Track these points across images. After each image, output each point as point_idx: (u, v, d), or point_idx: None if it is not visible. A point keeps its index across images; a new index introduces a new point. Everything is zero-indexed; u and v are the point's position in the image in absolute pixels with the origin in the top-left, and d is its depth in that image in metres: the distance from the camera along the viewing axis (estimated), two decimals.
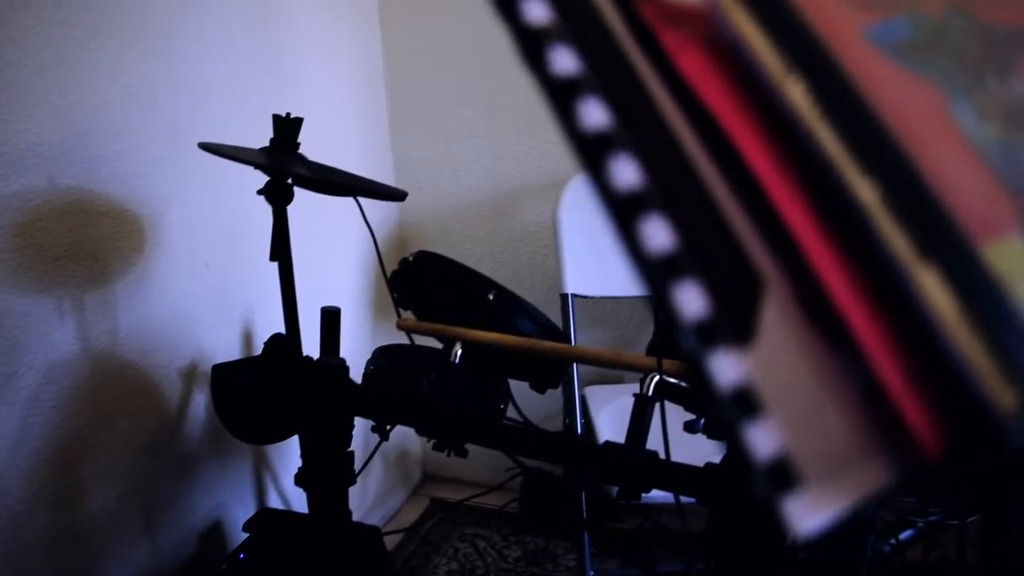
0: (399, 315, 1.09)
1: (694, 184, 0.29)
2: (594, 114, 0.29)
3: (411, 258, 1.07)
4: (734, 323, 0.27)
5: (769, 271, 0.29)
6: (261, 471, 1.45)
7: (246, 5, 1.35)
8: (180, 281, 1.23)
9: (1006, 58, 0.35)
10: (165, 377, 1.23)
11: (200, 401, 1.29)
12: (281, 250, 1.10)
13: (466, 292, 1.00)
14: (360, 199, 1.15)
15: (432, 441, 1.01)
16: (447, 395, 1.00)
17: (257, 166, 1.03)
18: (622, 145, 0.28)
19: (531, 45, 0.30)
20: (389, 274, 1.11)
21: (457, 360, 0.99)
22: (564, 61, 0.29)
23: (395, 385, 1.04)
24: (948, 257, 0.26)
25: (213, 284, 1.29)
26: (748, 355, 0.27)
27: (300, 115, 1.07)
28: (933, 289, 0.26)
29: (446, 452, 1.00)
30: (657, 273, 0.27)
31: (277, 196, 1.06)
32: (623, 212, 0.28)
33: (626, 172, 0.28)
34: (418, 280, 1.04)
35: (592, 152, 0.28)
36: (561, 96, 0.29)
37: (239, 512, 1.37)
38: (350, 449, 1.18)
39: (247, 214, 1.31)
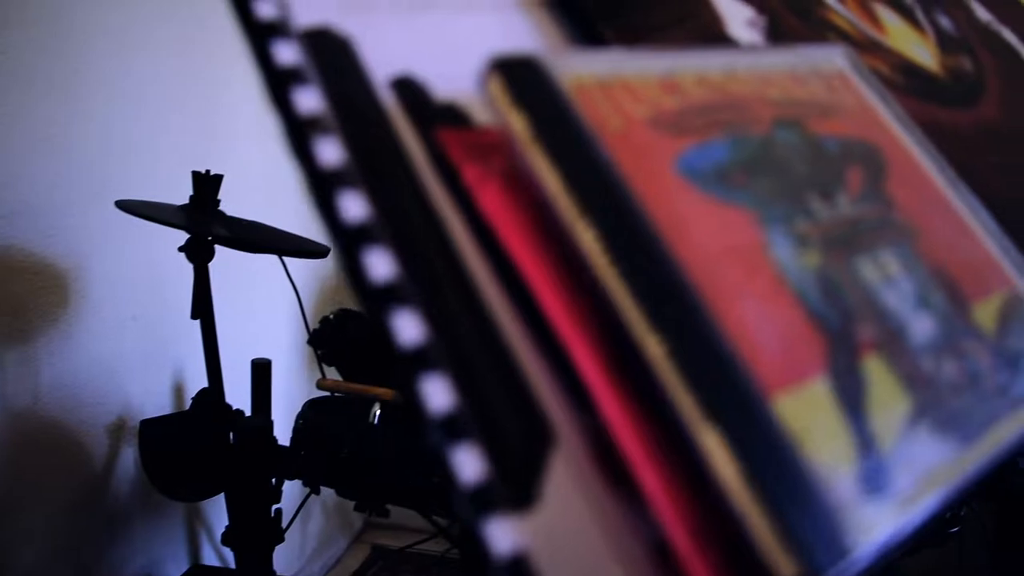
0: (322, 373, 1.08)
1: (482, 337, 0.28)
2: (380, 265, 0.27)
3: (332, 316, 1.05)
4: (514, 487, 0.26)
5: (563, 424, 0.27)
6: (195, 527, 1.42)
7: (173, 56, 1.33)
8: (107, 335, 1.21)
9: (836, 174, 0.34)
10: (91, 434, 1.20)
11: (129, 457, 1.26)
12: (202, 308, 1.08)
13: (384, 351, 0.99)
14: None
15: None
16: (366, 456, 0.98)
17: (174, 225, 1.01)
18: (407, 298, 0.27)
19: (322, 189, 0.29)
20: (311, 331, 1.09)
21: (376, 421, 0.98)
22: (354, 207, 0.28)
23: (315, 446, 1.02)
24: (732, 418, 0.25)
25: (142, 338, 1.27)
26: (528, 520, 0.26)
27: (230, 168, 1.06)
28: (716, 451, 0.25)
29: (367, 512, 0.98)
30: (438, 434, 0.26)
31: (197, 254, 1.05)
32: (406, 369, 0.27)
33: (409, 328, 0.27)
34: (338, 338, 1.03)
35: (376, 303, 0.27)
36: (349, 243, 0.28)
37: (171, 569, 1.34)
38: (278, 505, 1.16)
39: (175, 266, 1.28)
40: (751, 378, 0.26)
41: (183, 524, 1.38)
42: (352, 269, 0.28)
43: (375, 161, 0.29)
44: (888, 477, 0.27)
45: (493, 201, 0.30)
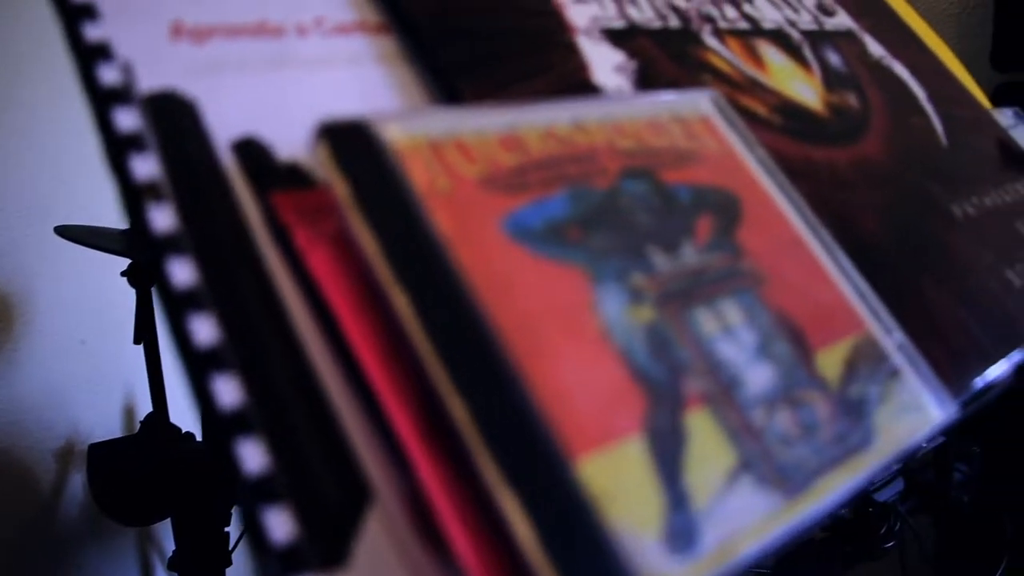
0: None
1: (303, 399, 0.28)
2: (203, 330, 0.28)
3: None
4: (326, 547, 0.26)
5: (382, 484, 0.28)
6: (147, 551, 1.42)
7: None
8: (54, 360, 1.21)
9: (684, 224, 0.35)
10: (39, 459, 1.20)
11: (78, 482, 1.26)
12: (146, 332, 1.08)
13: None
14: None
15: None
16: None
17: (114, 252, 1.01)
18: (229, 361, 0.28)
19: (154, 254, 0.29)
20: None
21: None
22: (181, 273, 0.29)
23: None
24: (529, 481, 0.26)
25: (90, 362, 1.27)
26: None
27: None
28: (513, 514, 0.26)
29: None
30: (251, 496, 0.27)
31: (138, 280, 1.05)
32: (223, 431, 0.27)
33: (228, 391, 0.27)
34: None
35: (197, 368, 0.28)
36: (174, 308, 0.29)
37: None
38: (229, 528, 1.16)
39: (123, 289, 1.28)
40: (554, 440, 0.27)
41: (135, 549, 1.38)
42: (176, 333, 0.29)
43: (205, 226, 0.30)
44: (697, 534, 0.28)
45: (321, 264, 0.30)
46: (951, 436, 1.06)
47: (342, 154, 0.30)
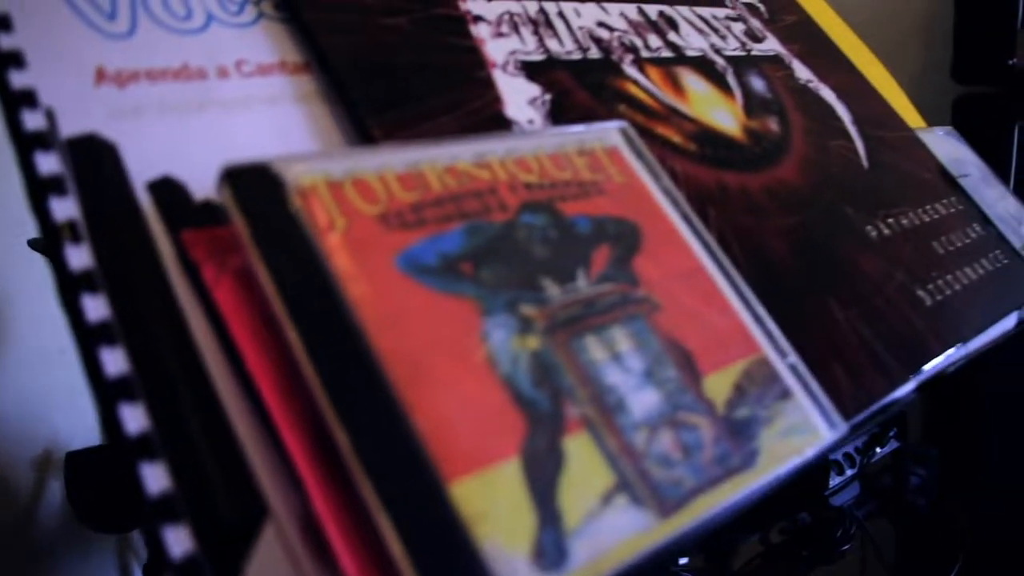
0: None
1: (205, 422, 0.31)
2: (113, 361, 0.30)
3: None
4: (220, 562, 0.29)
5: (277, 505, 0.30)
6: (126, 559, 1.44)
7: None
8: (31, 370, 1.23)
9: (580, 255, 0.38)
10: (15, 469, 1.22)
11: (56, 491, 1.29)
12: None
13: None
14: None
15: None
16: None
17: None
18: (139, 392, 0.30)
19: (69, 292, 0.32)
20: None
21: None
22: (95, 309, 0.31)
23: None
24: (405, 505, 0.28)
25: (70, 371, 1.29)
26: None
27: None
28: (391, 536, 0.28)
29: None
30: (152, 515, 0.29)
31: None
32: (129, 454, 0.30)
33: (135, 418, 0.30)
34: None
35: (107, 395, 0.30)
36: (87, 342, 0.31)
37: None
38: None
39: None
40: (430, 465, 0.29)
41: (113, 557, 1.40)
42: (88, 365, 0.31)
43: (118, 264, 0.33)
44: (567, 552, 0.30)
45: (226, 298, 0.33)
46: (907, 440, 1.09)
47: (243, 195, 0.32)
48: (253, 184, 0.32)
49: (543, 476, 0.31)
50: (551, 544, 0.30)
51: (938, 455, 1.31)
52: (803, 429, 0.38)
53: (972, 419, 1.43)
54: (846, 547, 0.99)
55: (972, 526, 1.32)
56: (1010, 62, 1.32)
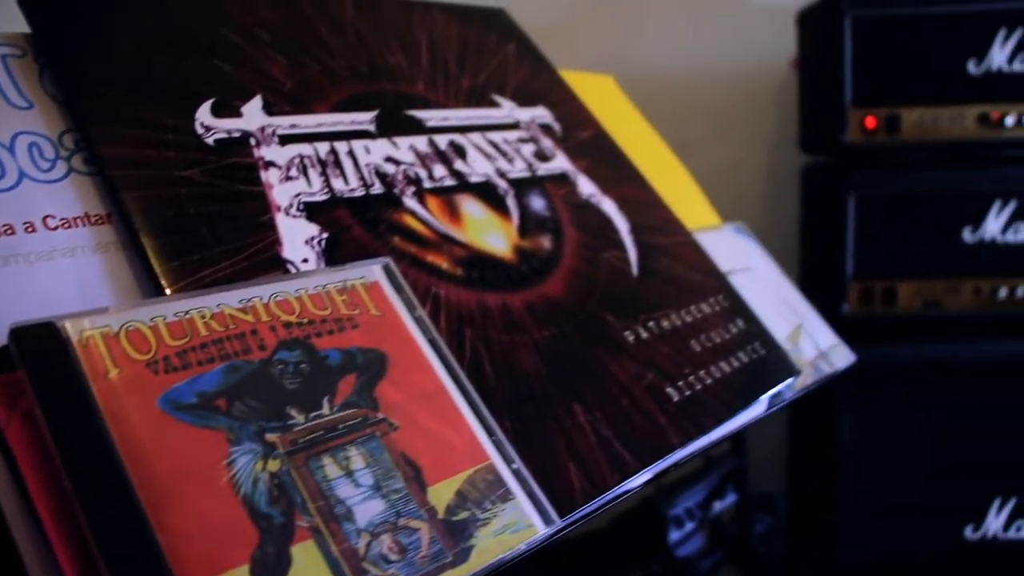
0: None
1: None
2: None
3: None
4: None
5: None
6: None
7: None
8: None
9: (327, 385, 0.47)
10: None
11: None
12: None
13: None
14: None
15: None
16: None
17: None
18: None
19: None
20: None
21: None
22: None
23: None
24: None
25: None
26: None
27: None
28: None
29: None
30: None
31: None
32: None
33: None
34: None
35: None
36: None
37: None
38: None
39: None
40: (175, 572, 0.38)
41: None
42: None
43: None
44: None
45: (15, 436, 0.42)
46: (747, 492, 1.21)
47: (28, 350, 0.41)
48: (38, 339, 0.42)
49: None
50: None
51: (783, 502, 1.44)
52: (519, 526, 0.49)
53: (822, 464, 1.56)
54: None
55: (815, 570, 1.45)
56: (841, 137, 1.47)
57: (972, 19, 1.47)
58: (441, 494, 0.47)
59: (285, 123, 0.58)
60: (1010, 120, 1.47)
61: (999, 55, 1.47)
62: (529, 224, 0.64)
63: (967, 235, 1.52)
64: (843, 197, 1.50)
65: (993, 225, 1.51)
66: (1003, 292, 1.52)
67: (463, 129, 0.68)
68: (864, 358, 1.54)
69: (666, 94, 1.81)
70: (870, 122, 1.48)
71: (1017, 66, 1.47)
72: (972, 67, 1.47)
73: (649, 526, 1.11)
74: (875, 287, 1.55)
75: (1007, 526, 1.57)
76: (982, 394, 1.56)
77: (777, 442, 1.91)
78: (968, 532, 1.57)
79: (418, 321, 0.52)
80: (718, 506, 1.13)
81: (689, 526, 1.10)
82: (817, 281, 1.69)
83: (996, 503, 1.57)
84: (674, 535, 1.10)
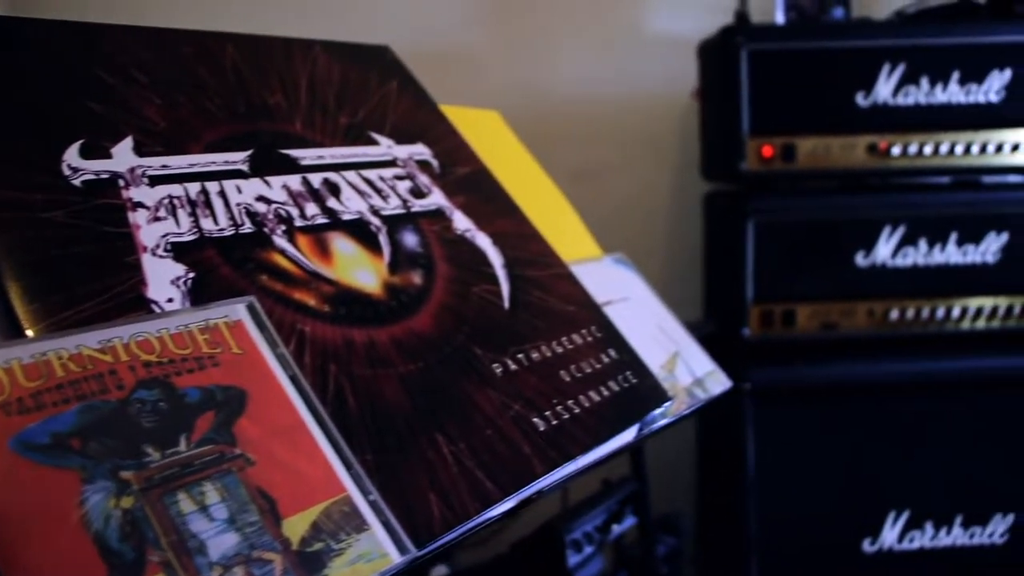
0: None
1: None
2: None
3: None
4: None
5: None
6: None
7: None
8: None
9: (185, 422, 0.49)
10: None
11: None
12: None
13: None
14: None
15: None
16: None
17: None
18: None
19: None
20: None
21: None
22: None
23: None
24: None
25: None
26: None
27: None
28: None
29: None
30: None
31: None
32: None
33: None
34: None
35: None
36: None
37: None
38: None
39: None
40: None
41: None
42: None
43: None
44: None
45: None
46: (648, 515, 1.24)
47: None
48: None
49: None
50: None
51: (691, 522, 1.48)
52: (373, 556, 0.51)
53: (728, 485, 1.61)
54: None
55: None
56: (740, 165, 1.53)
57: (859, 54, 1.54)
58: (296, 526, 0.49)
59: (156, 164, 0.59)
60: (896, 150, 1.54)
61: (884, 89, 1.54)
62: (400, 260, 0.67)
63: (860, 259, 1.58)
64: (742, 223, 1.55)
65: (884, 249, 1.57)
66: (895, 313, 1.59)
67: (338, 167, 0.70)
68: (766, 379, 1.60)
69: (573, 123, 1.86)
70: (767, 151, 1.54)
71: (901, 99, 1.54)
72: (861, 99, 1.54)
73: (548, 550, 1.13)
74: (775, 310, 1.60)
75: (901, 538, 1.63)
76: (877, 411, 1.62)
77: (688, 462, 1.96)
78: (866, 545, 1.63)
79: (280, 358, 0.54)
80: (617, 529, 1.17)
81: (588, 550, 1.13)
82: (720, 305, 1.75)
83: (891, 516, 1.63)
84: (573, 559, 1.12)
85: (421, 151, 0.78)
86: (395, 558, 0.52)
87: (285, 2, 1.82)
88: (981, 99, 1.55)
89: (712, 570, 1.87)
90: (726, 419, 1.64)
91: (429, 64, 1.74)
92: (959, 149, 1.56)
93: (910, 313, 1.60)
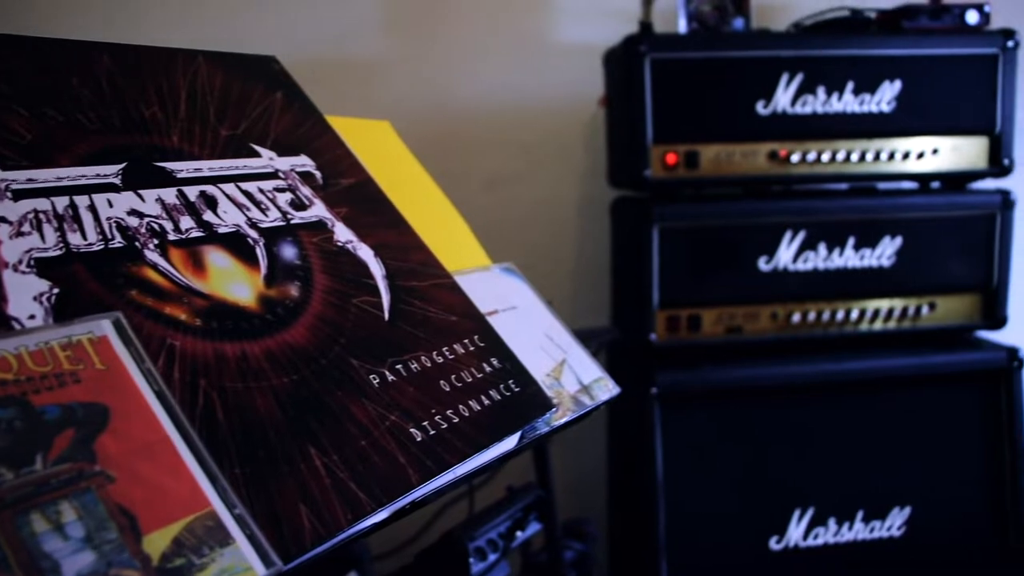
0: None
1: None
2: None
3: None
4: None
5: None
6: None
7: None
8: None
9: (43, 440, 0.49)
10: None
11: None
12: None
13: None
14: None
15: None
16: None
17: None
18: None
19: None
20: None
21: None
22: None
23: None
24: None
25: None
26: None
27: None
28: None
29: None
30: None
31: None
32: None
33: None
34: None
35: None
36: None
37: None
38: None
39: None
40: None
41: None
42: None
43: None
44: None
45: None
46: (554, 521, 1.26)
47: None
48: None
49: None
50: None
51: (595, 529, 1.50)
52: (236, 570, 0.51)
53: (645, 487, 1.64)
54: None
55: None
56: (644, 172, 1.56)
57: (759, 64, 1.58)
58: (157, 542, 0.49)
59: (21, 177, 0.59)
60: (795, 157, 1.58)
61: (783, 97, 1.58)
62: (277, 273, 0.67)
63: (762, 264, 1.62)
64: (647, 229, 1.58)
65: (785, 254, 1.61)
66: (796, 316, 1.63)
67: (216, 180, 0.70)
68: (673, 383, 1.63)
69: (482, 130, 1.88)
70: (671, 158, 1.57)
71: (799, 108, 1.58)
72: (761, 108, 1.58)
73: (452, 559, 1.14)
74: (680, 315, 1.63)
75: (806, 535, 1.68)
76: (781, 412, 1.66)
77: (602, 468, 1.99)
78: (773, 543, 1.67)
79: (146, 373, 0.54)
80: (521, 535, 1.18)
81: (492, 557, 1.14)
82: (627, 311, 1.77)
83: (796, 514, 1.67)
84: (477, 567, 1.14)
85: (304, 163, 0.79)
86: (260, 571, 0.52)
87: (200, 13, 1.80)
88: (874, 108, 1.60)
89: (622, 574, 1.89)
90: (635, 424, 1.67)
91: (335, 74, 1.74)
92: (855, 156, 1.61)
93: (811, 316, 1.65)
